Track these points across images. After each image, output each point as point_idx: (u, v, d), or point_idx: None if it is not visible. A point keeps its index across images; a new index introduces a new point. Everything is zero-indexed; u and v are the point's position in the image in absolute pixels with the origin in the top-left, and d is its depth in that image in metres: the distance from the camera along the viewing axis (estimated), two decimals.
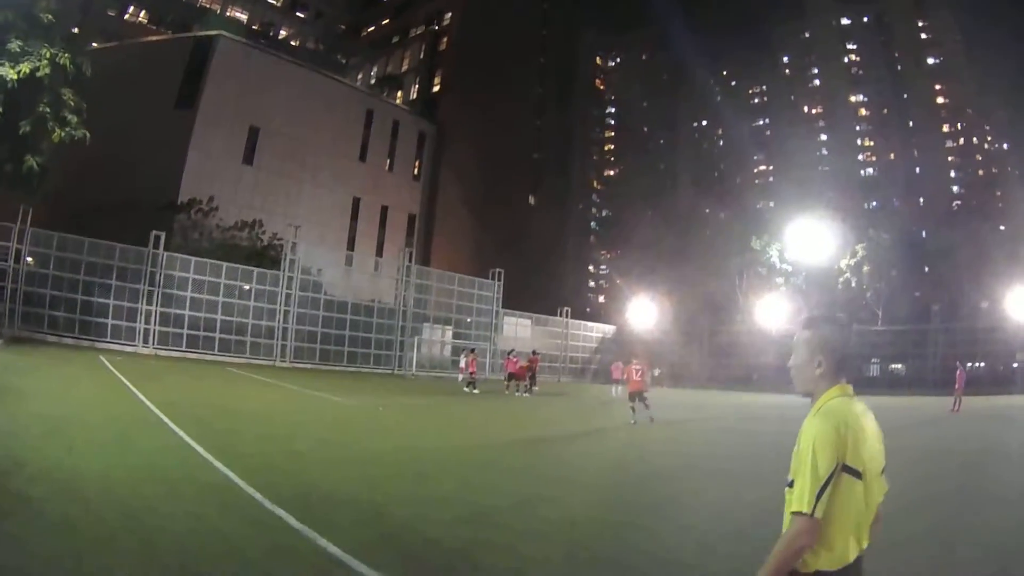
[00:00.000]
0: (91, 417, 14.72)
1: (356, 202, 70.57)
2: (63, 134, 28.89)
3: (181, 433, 13.38)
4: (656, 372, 57.94)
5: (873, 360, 59.83)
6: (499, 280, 53.59)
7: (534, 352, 41.23)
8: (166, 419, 14.97)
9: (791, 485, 3.00)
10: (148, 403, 17.33)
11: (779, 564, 2.89)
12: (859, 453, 2.99)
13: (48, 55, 27.01)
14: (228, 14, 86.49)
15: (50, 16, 27.54)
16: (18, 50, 26.39)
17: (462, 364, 39.03)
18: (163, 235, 38.11)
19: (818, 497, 2.86)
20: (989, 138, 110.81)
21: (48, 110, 28.26)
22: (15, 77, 26.03)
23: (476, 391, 34.70)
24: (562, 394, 41.11)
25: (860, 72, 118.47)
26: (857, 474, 2.97)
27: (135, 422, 14.73)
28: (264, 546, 7.05)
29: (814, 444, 2.95)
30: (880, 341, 58.39)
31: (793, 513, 2.90)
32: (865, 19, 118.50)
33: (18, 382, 18.44)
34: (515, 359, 38.07)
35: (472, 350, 39.65)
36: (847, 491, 2.95)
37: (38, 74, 26.80)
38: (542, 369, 54.48)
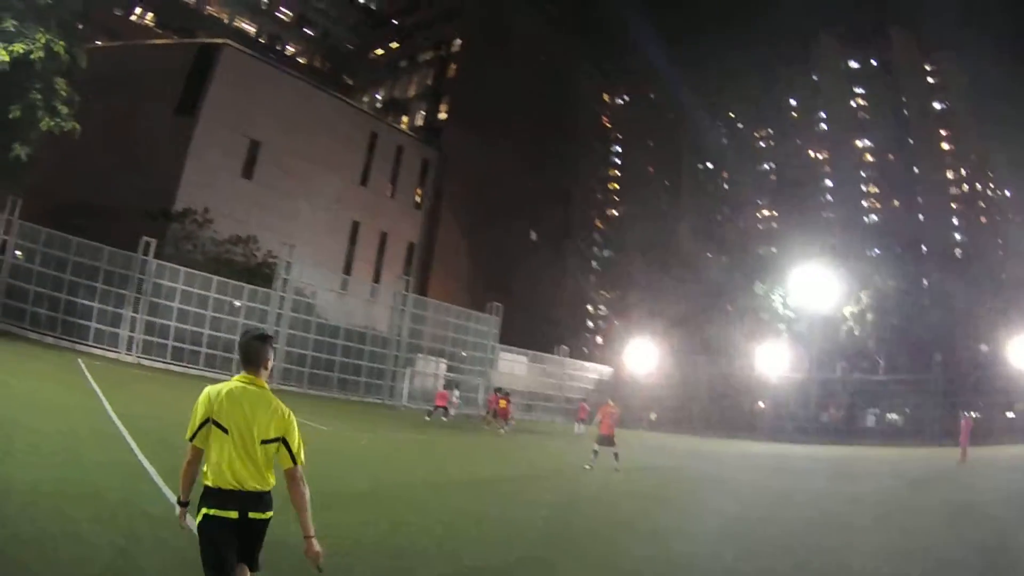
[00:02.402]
0: (43, 421, 13.40)
1: (355, 226, 69.46)
2: (52, 124, 28.29)
3: (137, 450, 12.16)
4: (652, 416, 56.83)
5: (871, 410, 58.83)
6: (497, 315, 52.18)
7: (497, 391, 39.76)
8: (126, 433, 13.71)
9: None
10: (112, 413, 16.03)
11: (181, 471, 4.87)
12: (223, 415, 4.70)
13: (43, 40, 26.23)
14: (235, 25, 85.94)
15: None
16: (12, 30, 25.57)
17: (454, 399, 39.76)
18: (154, 242, 37.07)
19: (195, 434, 4.74)
20: (992, 185, 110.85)
21: (39, 98, 27.54)
22: (7, 58, 25.21)
23: (428, 419, 35.74)
24: (551, 433, 40.82)
25: (867, 117, 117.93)
26: (223, 429, 4.69)
27: (91, 432, 13.46)
28: None
29: (198, 401, 4.80)
30: (880, 391, 57.36)
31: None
32: (873, 62, 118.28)
33: None
34: (498, 396, 38.04)
35: (446, 386, 42.13)
36: (216, 437, 4.69)
37: (32, 56, 25.99)
38: (535, 408, 53.63)
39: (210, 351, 38.26)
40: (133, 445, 12.58)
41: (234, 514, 4.59)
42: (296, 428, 4.96)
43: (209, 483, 4.64)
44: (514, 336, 55.52)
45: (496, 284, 66.89)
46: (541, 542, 10.89)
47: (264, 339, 5.10)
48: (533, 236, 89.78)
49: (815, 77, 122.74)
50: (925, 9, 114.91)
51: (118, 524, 7.90)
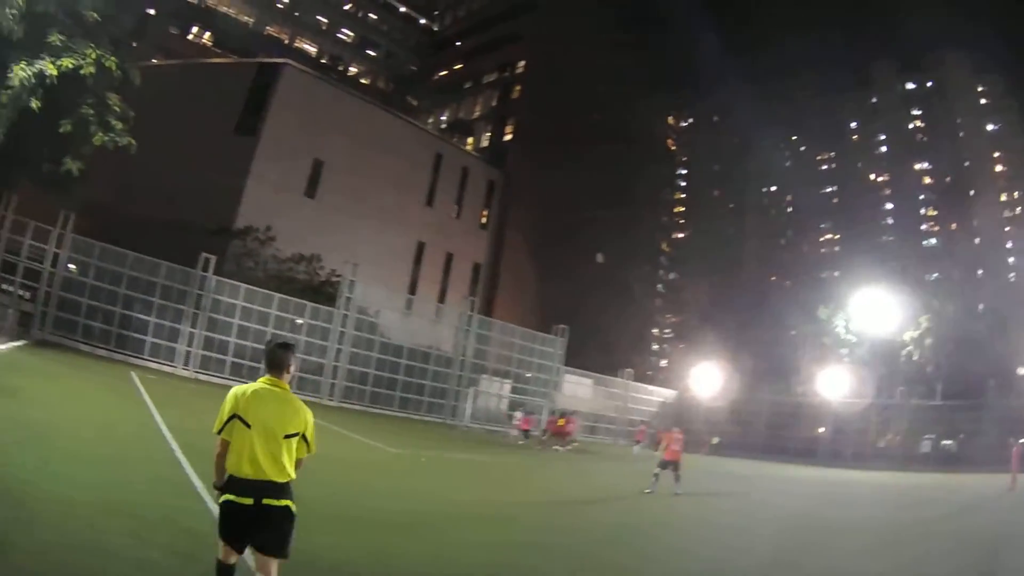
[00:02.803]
0: (87, 431, 13.06)
1: (420, 246, 69.50)
2: (106, 139, 28.20)
3: (186, 465, 11.66)
4: (715, 440, 55.75)
5: (927, 436, 57.38)
6: (563, 337, 51.40)
7: (553, 412, 42.65)
8: (175, 447, 13.20)
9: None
10: (163, 426, 15.55)
11: (214, 461, 5.46)
12: (248, 413, 5.35)
13: (93, 55, 26.01)
14: (296, 45, 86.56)
15: (95, 15, 26.40)
16: (59, 44, 25.27)
17: (516, 421, 41.89)
18: (214, 259, 36.93)
19: (222, 428, 5.35)
20: None
21: (91, 112, 27.44)
22: (55, 72, 24.82)
23: (522, 442, 38.09)
24: (611, 455, 40.96)
25: (924, 139, 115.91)
26: (246, 424, 5.32)
27: (137, 444, 13.04)
28: None
29: (226, 398, 5.48)
30: (936, 417, 55.57)
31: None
32: (929, 84, 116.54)
33: (21, 382, 16.59)
34: (555, 417, 39.62)
35: (526, 411, 43.58)
36: (239, 431, 5.31)
37: (82, 72, 25.68)
38: (599, 430, 53.16)
39: None
40: (183, 460, 12.07)
41: (249, 501, 5.21)
42: (312, 424, 5.74)
43: (231, 472, 5.31)
44: (579, 358, 54.89)
45: (562, 305, 65.85)
46: (595, 568, 10.69)
47: (287, 347, 5.85)
48: (599, 258, 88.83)
49: (874, 100, 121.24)
50: (979, 31, 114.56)
51: (155, 540, 7.63)
